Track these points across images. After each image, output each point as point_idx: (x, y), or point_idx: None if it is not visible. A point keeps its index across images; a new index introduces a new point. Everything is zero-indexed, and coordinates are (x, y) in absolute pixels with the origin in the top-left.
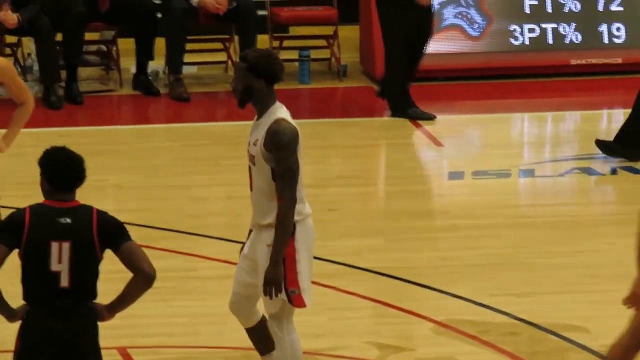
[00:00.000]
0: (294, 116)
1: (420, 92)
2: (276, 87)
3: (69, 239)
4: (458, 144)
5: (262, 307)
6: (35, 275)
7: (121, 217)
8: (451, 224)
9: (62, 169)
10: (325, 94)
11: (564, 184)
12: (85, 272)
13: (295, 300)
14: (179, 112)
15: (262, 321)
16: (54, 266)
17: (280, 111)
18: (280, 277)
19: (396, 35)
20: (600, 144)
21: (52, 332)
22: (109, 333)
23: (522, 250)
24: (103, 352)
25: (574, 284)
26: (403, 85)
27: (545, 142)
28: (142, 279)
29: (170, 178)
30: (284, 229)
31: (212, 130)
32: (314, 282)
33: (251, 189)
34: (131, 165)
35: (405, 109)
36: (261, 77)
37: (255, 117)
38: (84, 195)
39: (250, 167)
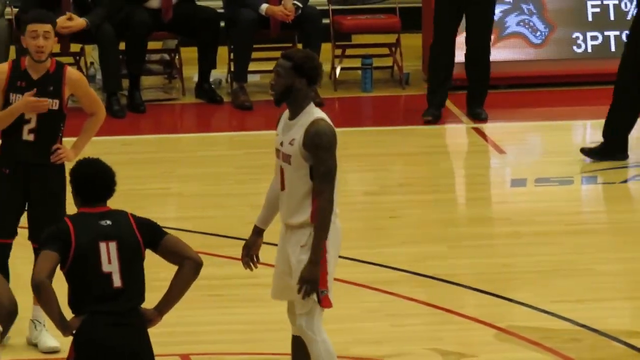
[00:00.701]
0: (357, 124)
1: (487, 100)
2: (339, 95)
3: (114, 238)
4: (520, 151)
5: None
6: (89, 280)
7: (183, 225)
8: (513, 230)
9: (91, 184)
10: (387, 101)
11: (627, 191)
12: (134, 270)
13: (324, 300)
14: (241, 120)
15: None
16: (105, 267)
17: (317, 111)
18: (317, 277)
19: None
20: (586, 151)
21: (109, 341)
22: (171, 340)
23: (584, 256)
24: (166, 358)
25: (636, 290)
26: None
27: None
28: (192, 265)
29: (232, 186)
30: (324, 230)
31: (274, 138)
32: (375, 289)
33: (282, 188)
34: (193, 173)
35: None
36: (304, 77)
37: (288, 116)
38: (146, 203)
39: (281, 167)
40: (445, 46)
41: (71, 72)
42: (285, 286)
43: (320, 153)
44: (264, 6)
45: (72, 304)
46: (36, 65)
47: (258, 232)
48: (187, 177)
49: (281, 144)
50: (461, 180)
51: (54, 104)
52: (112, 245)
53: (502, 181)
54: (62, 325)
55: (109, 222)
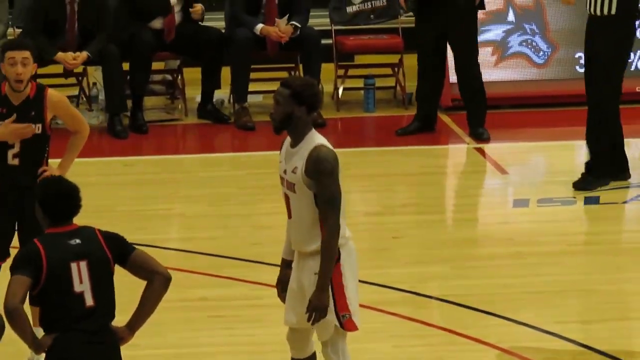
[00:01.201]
0: (359, 144)
1: (489, 121)
2: (342, 115)
3: (84, 257)
4: (523, 171)
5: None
6: (61, 301)
7: (186, 246)
8: (516, 251)
9: (58, 203)
10: (390, 122)
11: (629, 211)
12: (106, 288)
13: (347, 324)
14: (244, 140)
15: (314, 356)
16: (77, 287)
17: (318, 137)
18: (325, 304)
19: None
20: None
21: (85, 357)
22: None
23: (587, 277)
24: None
25: None
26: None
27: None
28: (161, 280)
29: (235, 206)
30: (330, 256)
31: (277, 158)
32: (378, 310)
33: (290, 217)
34: (196, 193)
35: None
36: (303, 105)
37: (290, 143)
38: (149, 224)
39: (287, 195)
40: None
41: (51, 94)
42: (299, 313)
43: (323, 179)
44: (259, 26)
45: (44, 323)
46: (16, 91)
47: (287, 264)
48: (189, 198)
49: (284, 172)
50: (464, 201)
51: (37, 128)
52: (83, 265)
53: (504, 201)
54: (35, 344)
55: (78, 240)
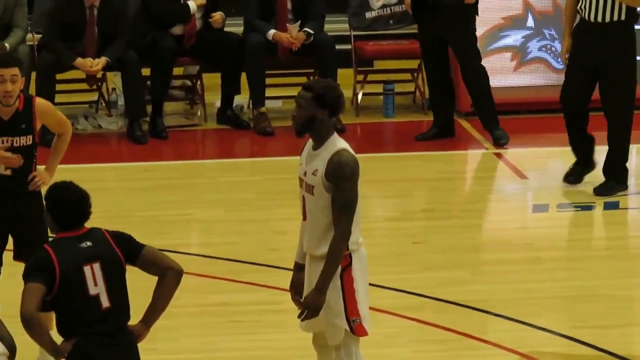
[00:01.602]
0: (378, 149)
1: (505, 125)
2: (361, 120)
3: (97, 259)
4: (542, 176)
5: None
6: (77, 305)
7: (205, 251)
8: (535, 256)
9: (67, 210)
10: (409, 127)
11: None
12: (120, 288)
13: (358, 329)
14: (263, 146)
15: None
16: (92, 290)
17: (340, 141)
18: (320, 305)
19: None
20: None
21: (107, 358)
22: None
23: (606, 282)
24: None
25: None
26: None
27: (630, 175)
28: (173, 275)
29: (253, 212)
30: (335, 259)
31: (296, 163)
32: (397, 315)
33: (304, 219)
34: (215, 199)
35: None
36: (325, 108)
37: (312, 146)
38: (168, 229)
39: (304, 196)
40: (434, 73)
41: (39, 103)
42: (315, 318)
43: (342, 183)
44: (271, 32)
45: (61, 329)
46: (5, 106)
47: (299, 268)
48: (209, 203)
49: (304, 174)
50: (483, 206)
51: (28, 140)
52: (96, 267)
53: (524, 206)
54: (54, 351)
55: (88, 243)
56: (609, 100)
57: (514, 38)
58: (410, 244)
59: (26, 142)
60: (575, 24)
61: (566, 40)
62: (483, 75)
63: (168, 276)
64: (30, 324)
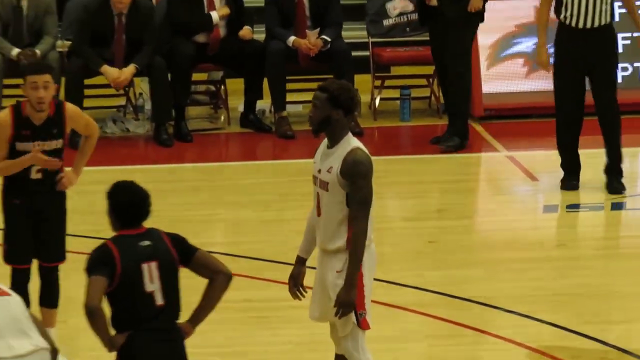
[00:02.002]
0: (395, 152)
1: (516, 128)
2: (379, 124)
3: (155, 259)
4: (552, 178)
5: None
6: (133, 301)
7: (228, 250)
8: (546, 255)
9: (133, 209)
10: (425, 130)
11: None
12: (173, 288)
13: (363, 322)
14: (284, 148)
15: None
16: (148, 287)
17: (354, 140)
18: (353, 300)
19: None
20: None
21: (153, 357)
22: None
23: (613, 280)
24: None
25: None
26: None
27: (637, 177)
28: (223, 279)
29: (275, 212)
30: (358, 255)
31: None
32: (414, 311)
33: (318, 214)
34: (238, 200)
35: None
36: (340, 108)
37: (327, 145)
38: (192, 229)
39: (318, 193)
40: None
41: (69, 108)
42: (323, 309)
43: (357, 181)
44: (291, 38)
45: (115, 323)
46: (38, 112)
47: (301, 261)
48: (232, 204)
49: (319, 171)
50: (495, 207)
51: (58, 144)
52: (153, 266)
53: (534, 207)
54: (109, 343)
55: (148, 242)
56: (603, 103)
57: (526, 45)
58: (426, 243)
59: (56, 145)
60: (557, 32)
61: (544, 49)
62: (464, 83)
63: (218, 279)
64: (94, 316)
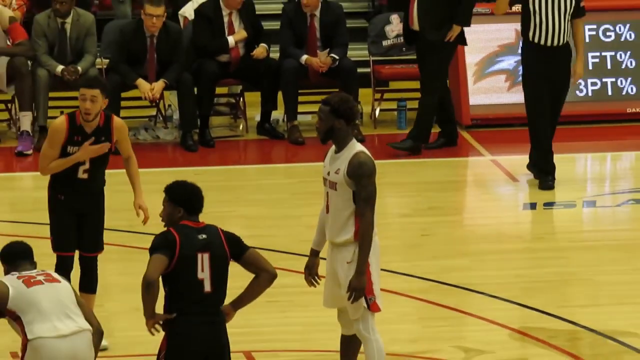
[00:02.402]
0: (393, 156)
1: (499, 136)
2: (378, 132)
3: (208, 250)
4: (531, 179)
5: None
6: (185, 284)
7: (247, 242)
8: (525, 247)
9: (196, 198)
10: None
11: (622, 213)
12: (221, 279)
13: (373, 306)
14: (295, 153)
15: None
16: (199, 274)
17: (358, 145)
18: (363, 286)
19: None
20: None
21: (198, 336)
22: (237, 339)
23: (585, 269)
24: (232, 355)
25: (630, 297)
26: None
27: (605, 178)
28: (267, 277)
29: (288, 209)
30: (366, 245)
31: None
32: (409, 296)
33: (327, 212)
34: (255, 198)
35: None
36: (342, 118)
37: (334, 150)
38: (216, 224)
39: (328, 193)
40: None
41: (117, 120)
42: (335, 296)
43: (362, 180)
44: (304, 57)
45: (167, 301)
46: (87, 122)
47: (315, 253)
48: (250, 202)
49: (328, 173)
50: (481, 204)
51: (107, 147)
52: (206, 256)
53: (515, 205)
54: (151, 315)
55: (204, 235)
56: (559, 111)
57: (508, 62)
58: (420, 236)
59: (104, 151)
60: (526, 50)
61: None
62: (431, 101)
63: (262, 277)
64: (150, 288)
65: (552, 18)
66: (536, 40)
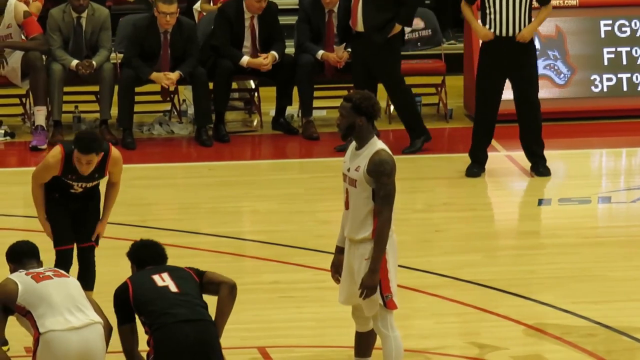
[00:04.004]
0: (407, 153)
1: (515, 132)
2: (393, 127)
3: (165, 271)
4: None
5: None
6: (152, 299)
7: (260, 237)
8: (539, 242)
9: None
10: (434, 133)
11: (637, 209)
12: (187, 283)
13: (389, 303)
14: (310, 149)
15: (373, 331)
16: (160, 284)
17: (379, 143)
18: (376, 284)
19: None
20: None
21: (185, 332)
22: (249, 335)
23: (599, 264)
24: (246, 351)
25: None
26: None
27: (620, 174)
28: (226, 287)
29: (301, 204)
30: (382, 244)
31: (337, 164)
32: (422, 292)
33: (347, 208)
34: (269, 193)
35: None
36: (363, 115)
37: (355, 147)
38: (229, 218)
39: (347, 189)
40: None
41: (113, 155)
42: (351, 293)
43: (382, 179)
44: (320, 52)
45: (149, 324)
46: None
47: (340, 251)
48: (264, 197)
49: (348, 170)
50: (495, 200)
51: (98, 181)
52: (164, 274)
53: (530, 201)
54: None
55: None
56: (526, 100)
57: None
58: (434, 232)
59: (95, 183)
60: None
61: (478, 25)
62: (409, 93)
63: (222, 290)
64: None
65: (506, 8)
66: (492, 31)
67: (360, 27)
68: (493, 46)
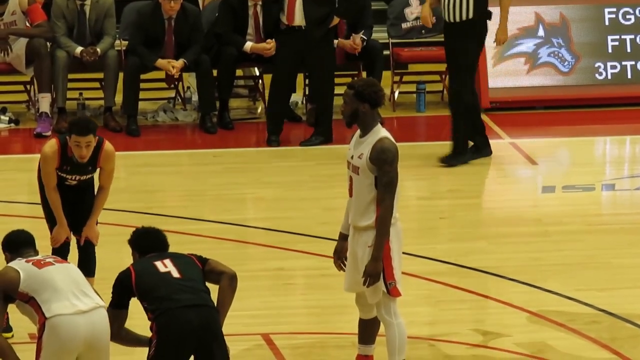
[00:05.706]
0: (412, 139)
1: (518, 119)
2: (397, 115)
3: (167, 257)
4: (550, 162)
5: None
6: (155, 285)
7: (264, 224)
8: (543, 230)
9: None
10: (438, 120)
11: None
12: (189, 267)
13: (393, 291)
14: None
15: (377, 318)
16: (162, 270)
17: (383, 131)
18: (379, 271)
19: None
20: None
21: (187, 318)
22: (255, 321)
23: (603, 252)
24: (250, 337)
25: None
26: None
27: (624, 161)
28: (227, 277)
29: (305, 192)
30: (384, 231)
31: (341, 151)
32: (427, 279)
33: (350, 195)
34: (273, 180)
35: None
36: (366, 102)
37: (359, 134)
38: (232, 206)
39: (351, 177)
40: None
41: (106, 148)
42: (356, 281)
43: (384, 166)
44: (335, 40)
45: (152, 310)
46: None
47: (343, 237)
48: (268, 184)
49: (352, 157)
50: (500, 187)
51: (92, 175)
52: (167, 261)
53: (534, 188)
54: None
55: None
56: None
57: (527, 45)
58: (438, 219)
59: (89, 176)
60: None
61: (428, 8)
62: (333, 89)
63: (223, 281)
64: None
65: None
66: (442, 16)
67: (298, 22)
68: (444, 31)
